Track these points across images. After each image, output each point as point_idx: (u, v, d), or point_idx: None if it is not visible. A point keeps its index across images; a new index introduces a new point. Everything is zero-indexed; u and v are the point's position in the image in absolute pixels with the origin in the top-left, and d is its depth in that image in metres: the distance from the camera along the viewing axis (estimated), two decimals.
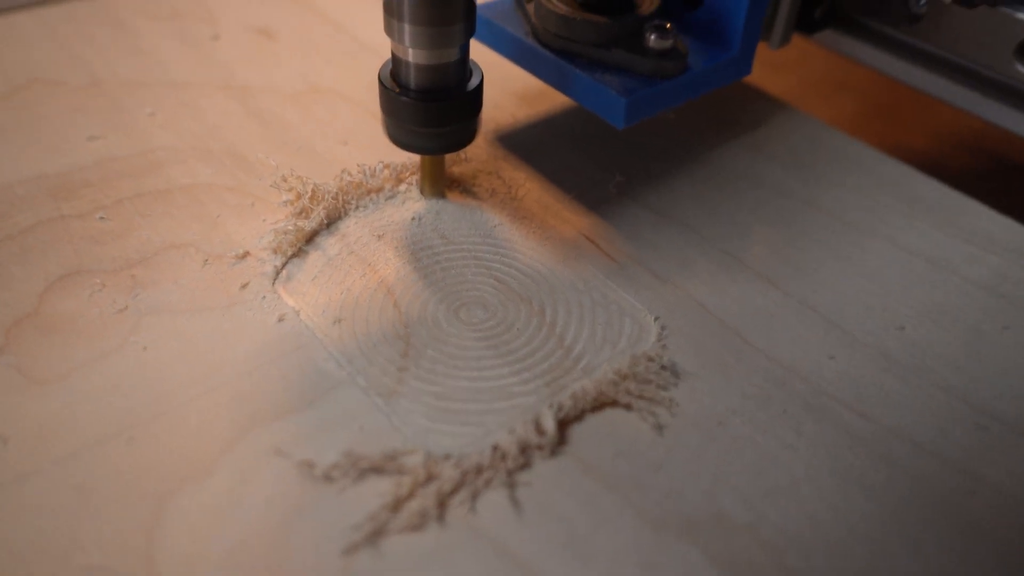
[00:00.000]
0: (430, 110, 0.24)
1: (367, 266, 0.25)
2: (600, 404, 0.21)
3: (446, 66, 0.24)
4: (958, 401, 0.22)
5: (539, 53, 0.27)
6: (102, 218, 0.25)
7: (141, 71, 0.32)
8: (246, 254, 0.25)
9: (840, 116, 0.37)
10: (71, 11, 0.35)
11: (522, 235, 0.26)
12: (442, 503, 0.19)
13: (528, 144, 0.30)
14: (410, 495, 0.19)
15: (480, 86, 0.25)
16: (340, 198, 0.26)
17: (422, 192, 0.27)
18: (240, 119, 0.30)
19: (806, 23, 0.30)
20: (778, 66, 0.40)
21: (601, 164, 0.29)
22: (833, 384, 0.22)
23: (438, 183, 0.27)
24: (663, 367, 0.22)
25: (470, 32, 0.23)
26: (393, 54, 0.24)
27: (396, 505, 0.19)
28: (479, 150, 0.29)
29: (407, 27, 0.22)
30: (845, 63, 0.40)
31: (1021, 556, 0.18)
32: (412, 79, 0.24)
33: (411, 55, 0.23)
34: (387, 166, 0.27)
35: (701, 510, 0.19)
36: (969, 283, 0.25)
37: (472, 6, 0.23)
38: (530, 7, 0.27)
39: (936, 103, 0.35)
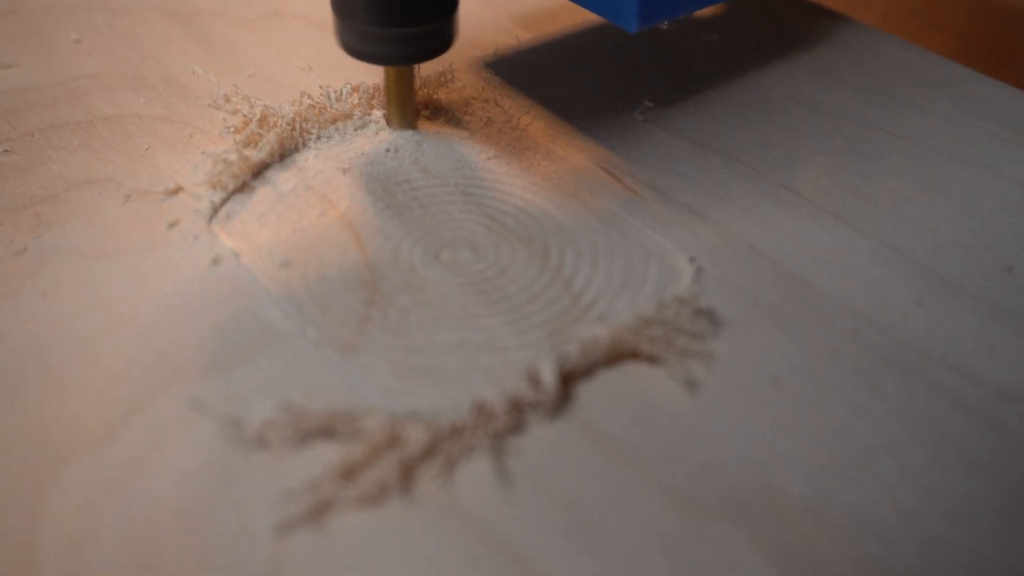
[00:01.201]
0: (393, 6, 0.22)
1: (327, 203, 0.23)
2: (617, 356, 0.19)
3: None
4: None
5: None
6: (6, 151, 0.24)
7: None
8: (178, 189, 0.23)
9: (932, 48, 0.35)
10: None
11: (523, 168, 0.24)
12: (407, 473, 0.17)
13: (534, 70, 0.28)
14: (366, 462, 0.17)
15: None
16: (297, 125, 0.25)
17: (388, 121, 0.25)
18: (181, 44, 0.29)
19: None
20: (920, 22, 0.39)
21: (624, 91, 0.27)
22: (922, 335, 0.20)
23: (407, 108, 0.25)
24: (699, 312, 0.20)
25: None
26: None
27: (347, 473, 0.17)
28: (473, 75, 0.28)
29: None
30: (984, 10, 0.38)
31: None
32: None
33: None
34: (356, 89, 0.26)
35: (746, 486, 0.17)
36: None
37: None
38: None
39: None
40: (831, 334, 0.20)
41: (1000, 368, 0.19)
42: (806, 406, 0.18)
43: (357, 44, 0.23)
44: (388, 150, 0.25)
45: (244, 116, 0.25)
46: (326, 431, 0.18)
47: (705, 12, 0.31)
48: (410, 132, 0.25)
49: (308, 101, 0.25)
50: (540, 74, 0.28)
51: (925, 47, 0.33)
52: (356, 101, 0.26)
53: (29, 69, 0.28)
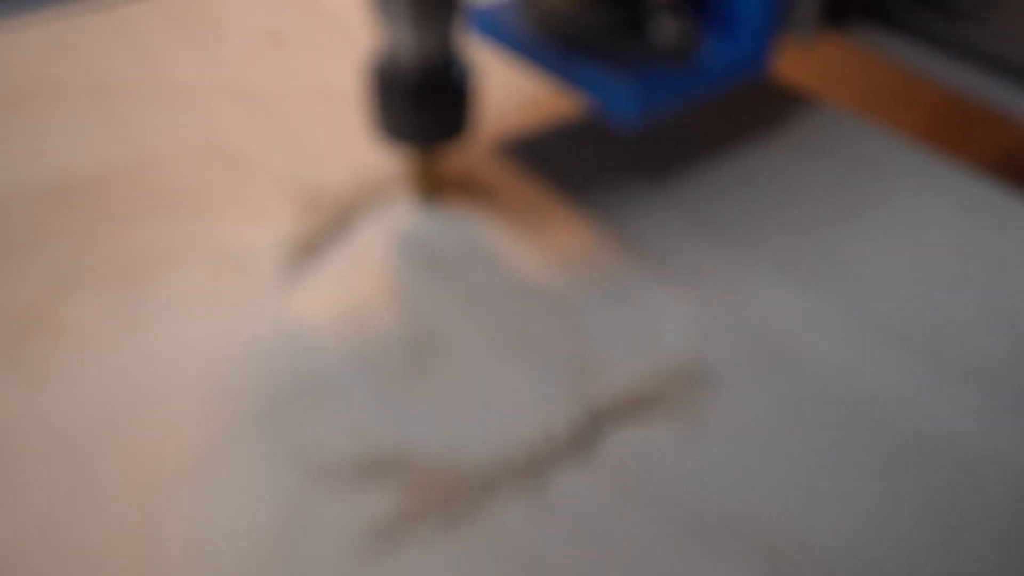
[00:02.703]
0: (418, 95, 0.24)
1: (378, 270, 0.25)
2: (630, 409, 0.21)
3: (435, 49, 0.24)
4: (1013, 411, 0.21)
5: (543, 47, 0.27)
6: (107, 220, 0.26)
7: (143, 74, 0.33)
8: (250, 257, 0.25)
9: (902, 133, 0.37)
10: (81, 24, 0.37)
11: (546, 239, 0.26)
12: (455, 509, 0.19)
13: (540, 151, 0.30)
14: (421, 503, 0.19)
15: (472, 73, 0.25)
16: (351, 200, 0.26)
17: (416, 195, 0.27)
18: (245, 122, 0.31)
19: (836, 14, 0.30)
20: (836, 79, 0.41)
21: (629, 169, 0.29)
22: (889, 390, 0.22)
23: (429, 185, 0.27)
24: (694, 378, 0.22)
25: (459, 13, 0.24)
26: (380, 40, 0.24)
27: (407, 516, 0.18)
28: (493, 154, 0.29)
29: (392, 9, 0.23)
30: (910, 76, 0.40)
31: None
32: (399, 63, 0.24)
33: (398, 38, 0.24)
34: (397, 165, 0.28)
35: (736, 517, 0.19)
36: (997, 257, 0.25)
37: None
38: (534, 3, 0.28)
39: (1009, 119, 0.35)
40: (811, 389, 0.22)
41: (940, 406, 0.21)
42: (781, 451, 0.20)
43: (386, 129, 0.25)
44: (429, 224, 0.27)
45: (306, 192, 0.26)
46: (384, 473, 0.19)
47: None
48: (443, 204, 0.27)
49: (360, 178, 0.27)
50: (555, 154, 0.30)
51: (897, 123, 0.35)
52: (396, 177, 0.27)
53: (113, 145, 0.29)
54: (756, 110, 0.32)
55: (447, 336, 0.23)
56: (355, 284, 0.24)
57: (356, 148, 0.29)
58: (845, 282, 0.25)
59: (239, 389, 0.21)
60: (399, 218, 0.27)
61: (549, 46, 0.27)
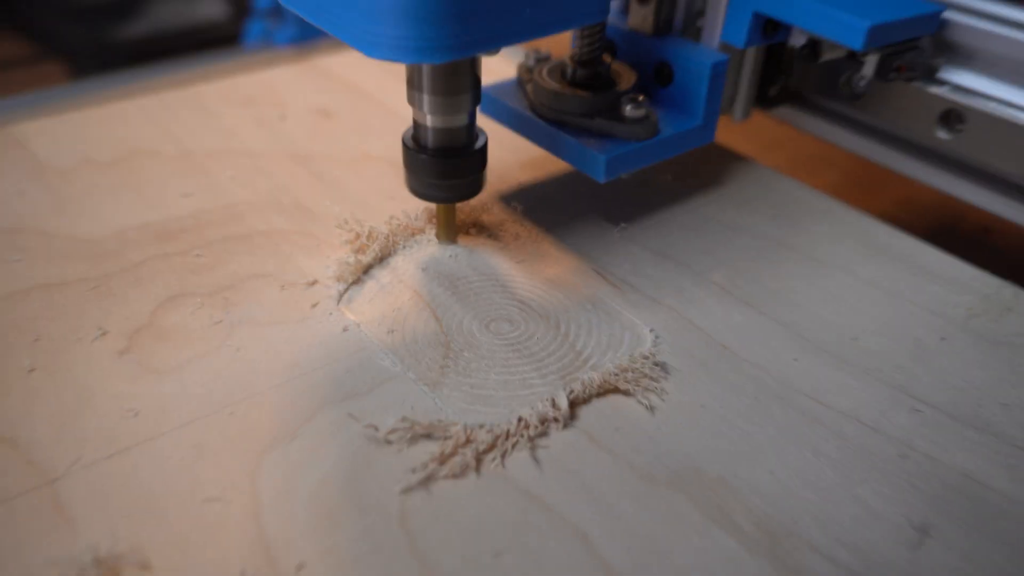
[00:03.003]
0: (443, 165, 0.31)
1: (413, 291, 0.31)
2: (604, 391, 0.27)
3: (457, 128, 0.31)
4: (899, 392, 0.28)
5: (535, 123, 0.34)
6: (198, 255, 0.33)
7: (222, 143, 0.40)
8: (315, 282, 0.32)
9: (822, 187, 0.44)
10: (165, 99, 0.44)
11: (541, 268, 0.33)
12: (478, 459, 0.25)
13: (543, 199, 0.37)
14: (453, 452, 0.25)
15: (485, 146, 0.32)
16: (390, 238, 0.33)
17: (438, 237, 0.34)
18: (304, 179, 0.38)
19: (763, 99, 0.37)
20: (771, 145, 0.48)
21: (605, 215, 0.36)
22: (797, 380, 0.28)
23: (451, 229, 0.33)
24: (656, 364, 0.28)
25: (476, 101, 0.30)
26: (414, 120, 0.31)
27: (442, 459, 0.25)
28: (502, 204, 0.36)
29: (425, 96, 0.30)
30: (827, 143, 0.47)
31: (941, 502, 0.24)
32: (429, 139, 0.31)
33: (428, 120, 0.30)
34: (427, 211, 0.34)
35: (685, 468, 0.25)
36: (915, 305, 0.31)
37: (477, 80, 0.30)
38: (528, 86, 0.35)
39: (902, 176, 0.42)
40: (739, 378, 0.28)
41: (843, 400, 0.27)
42: (722, 422, 0.27)
43: (422, 189, 0.32)
44: (450, 256, 0.33)
45: (356, 232, 0.33)
46: (427, 435, 0.26)
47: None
48: (465, 242, 0.34)
49: (396, 221, 0.34)
50: (547, 202, 0.37)
51: (818, 181, 0.41)
52: (425, 222, 0.34)
53: (203, 197, 0.36)
54: (703, 169, 0.39)
55: (467, 343, 0.29)
56: (395, 301, 0.31)
57: (392, 199, 0.36)
58: (771, 301, 0.32)
59: (313, 377, 0.28)
60: (425, 251, 0.33)
61: (539, 122, 0.34)
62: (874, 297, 0.32)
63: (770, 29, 0.34)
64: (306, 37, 0.63)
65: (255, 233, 0.34)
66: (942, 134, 0.33)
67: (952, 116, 0.33)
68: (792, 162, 0.45)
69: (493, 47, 0.27)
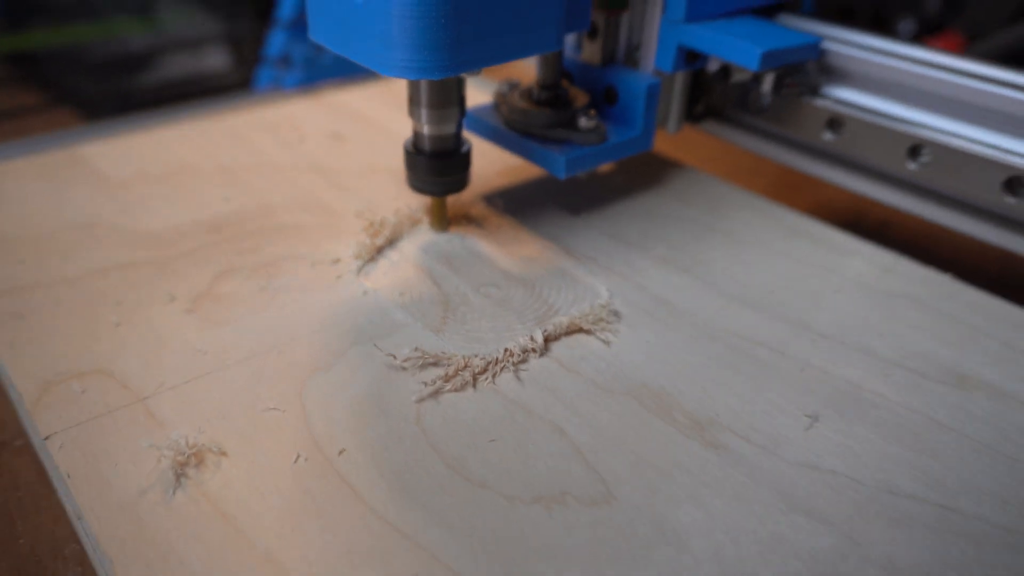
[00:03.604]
0: (437, 164, 0.37)
1: (418, 266, 0.37)
2: (571, 331, 0.33)
3: (447, 135, 0.37)
4: (801, 328, 0.34)
5: (509, 135, 0.40)
6: (242, 242, 0.38)
7: (253, 160, 0.46)
8: (338, 260, 0.37)
9: (753, 190, 0.50)
10: (201, 126, 0.50)
11: (518, 248, 0.39)
12: (474, 378, 0.31)
13: (519, 196, 0.43)
14: (455, 373, 0.31)
15: (469, 151, 0.37)
16: (397, 226, 0.39)
17: (432, 227, 0.39)
18: (324, 186, 0.43)
19: (691, 115, 0.43)
20: (708, 158, 0.54)
21: (568, 209, 0.42)
22: (722, 321, 0.34)
23: (443, 220, 0.39)
24: (611, 312, 0.34)
25: (462, 115, 0.36)
26: (413, 130, 0.37)
27: (447, 378, 0.30)
28: (486, 200, 0.42)
29: (423, 110, 0.36)
30: (757, 157, 0.54)
31: (830, 400, 0.30)
32: (426, 144, 0.37)
33: (425, 128, 0.37)
34: (425, 205, 0.40)
35: (635, 382, 0.31)
36: (816, 268, 0.38)
37: (463, 98, 0.36)
38: (503, 107, 0.41)
39: (821, 182, 0.48)
40: (676, 320, 0.34)
41: (758, 333, 0.33)
42: (665, 349, 0.32)
43: (420, 185, 0.38)
44: (446, 241, 0.39)
45: (370, 221, 0.39)
46: (434, 363, 0.31)
47: (612, 166, 0.46)
48: (459, 229, 0.39)
49: (401, 213, 0.40)
50: (520, 200, 0.43)
51: (748, 186, 0.48)
52: (424, 214, 0.40)
53: (241, 201, 0.42)
54: (649, 173, 0.46)
55: (462, 301, 0.35)
56: (403, 273, 0.37)
57: (396, 200, 0.42)
58: (702, 268, 0.38)
59: (341, 326, 0.33)
60: (425, 237, 0.39)
61: (512, 134, 0.40)
62: (784, 264, 0.38)
63: (691, 58, 0.41)
64: (311, 81, 0.69)
65: (287, 226, 0.40)
66: (828, 136, 0.40)
67: (835, 122, 0.39)
68: (726, 172, 0.52)
69: (477, 68, 0.33)
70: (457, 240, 0.39)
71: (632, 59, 0.42)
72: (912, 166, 0.37)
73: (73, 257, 0.37)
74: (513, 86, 0.42)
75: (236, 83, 0.83)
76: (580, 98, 0.40)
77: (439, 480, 0.26)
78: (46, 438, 0.27)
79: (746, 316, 0.34)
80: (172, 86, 0.86)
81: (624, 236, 0.40)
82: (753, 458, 0.28)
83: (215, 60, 0.92)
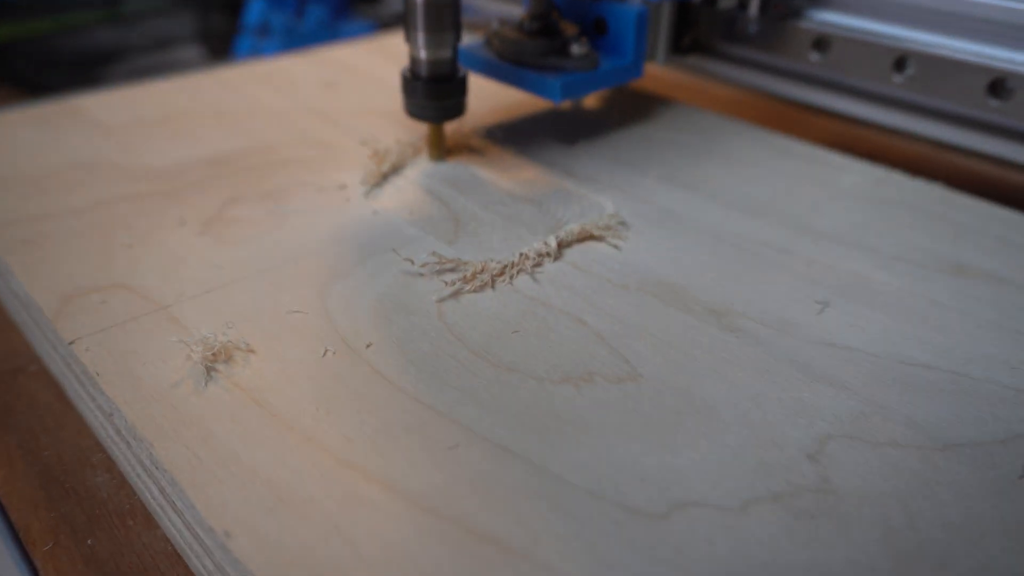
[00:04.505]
0: (434, 88, 0.37)
1: (424, 189, 0.37)
2: (582, 238, 0.33)
3: (444, 60, 0.37)
4: (802, 230, 0.34)
5: (502, 66, 0.40)
6: (247, 173, 0.38)
7: (250, 106, 0.45)
8: (345, 186, 0.37)
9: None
10: (194, 79, 0.49)
11: (521, 172, 0.39)
12: (493, 279, 0.31)
13: (517, 128, 0.43)
14: (473, 276, 0.31)
15: (465, 77, 0.37)
16: (401, 154, 0.39)
17: (430, 156, 0.39)
18: (322, 125, 0.43)
19: (678, 48, 0.44)
20: (692, 99, 0.55)
21: (565, 140, 0.42)
22: (725, 226, 0.34)
23: (441, 149, 0.39)
24: (620, 221, 0.34)
25: (458, 39, 0.36)
26: (410, 55, 0.37)
27: (466, 279, 0.30)
28: (484, 131, 0.42)
29: (419, 34, 0.36)
30: (744, 89, 0.54)
31: (838, 289, 0.30)
32: (423, 70, 0.37)
33: (422, 53, 0.36)
34: (424, 136, 0.40)
35: (649, 279, 0.31)
36: (811, 181, 0.38)
37: (459, 22, 0.36)
38: (495, 41, 0.41)
39: (806, 118, 0.49)
40: (679, 225, 0.34)
41: (761, 234, 0.34)
42: (673, 248, 0.33)
43: (417, 111, 0.37)
44: (450, 167, 0.39)
45: (375, 150, 0.39)
46: (451, 268, 0.31)
47: (604, 98, 0.47)
48: (464, 155, 0.39)
49: (404, 142, 0.40)
50: (519, 133, 0.43)
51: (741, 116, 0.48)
52: (423, 142, 0.40)
53: (243, 140, 0.41)
54: (641, 107, 0.46)
55: (471, 217, 0.35)
56: (410, 195, 0.36)
57: (395, 133, 0.42)
58: (701, 184, 0.38)
59: (355, 240, 0.33)
60: (428, 165, 0.39)
61: (505, 65, 0.40)
62: (780, 179, 0.39)
63: None
64: (290, 48, 0.69)
65: (290, 160, 0.40)
66: (814, 57, 0.40)
67: (821, 43, 0.40)
68: (719, 105, 0.52)
69: None
70: (460, 167, 0.39)
71: None
72: (898, 79, 0.38)
73: (78, 191, 0.36)
74: (503, 22, 0.42)
75: (208, 56, 0.82)
76: (570, 29, 0.41)
77: (467, 366, 0.26)
78: (71, 342, 0.27)
79: (749, 222, 0.35)
80: (142, 72, 0.85)
81: (623, 159, 0.40)
82: (770, 338, 0.28)
83: (186, 55, 0.91)
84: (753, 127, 0.44)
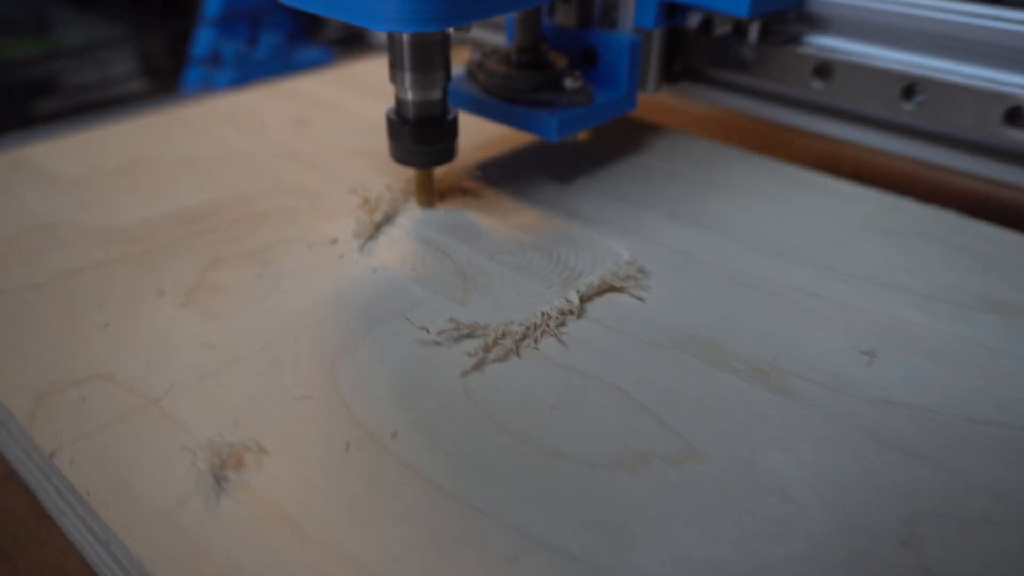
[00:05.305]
0: (423, 132, 0.33)
1: (422, 240, 0.34)
2: (602, 290, 0.31)
3: (433, 101, 0.33)
4: (829, 271, 0.32)
5: (491, 103, 0.37)
6: (225, 231, 0.34)
7: (217, 150, 0.41)
8: (336, 240, 0.34)
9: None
10: (151, 120, 0.45)
11: (522, 217, 0.36)
12: (517, 345, 0.28)
13: (503, 172, 0.40)
14: (495, 343, 0.28)
15: (456, 118, 0.34)
16: (392, 201, 0.35)
17: (418, 203, 0.36)
18: (300, 170, 0.39)
19: (668, 75, 0.42)
20: (677, 123, 0.53)
21: (560, 178, 0.39)
22: (748, 270, 0.32)
23: (430, 194, 0.36)
24: (639, 270, 0.32)
25: (448, 79, 0.33)
26: (396, 97, 0.34)
27: (487, 347, 0.27)
28: (479, 175, 0.39)
29: (406, 74, 0.32)
30: (728, 113, 0.52)
31: (877, 335, 0.28)
32: (410, 112, 0.34)
33: (409, 95, 0.33)
34: (413, 180, 0.37)
35: (681, 335, 0.28)
36: (824, 214, 0.36)
37: (448, 60, 0.33)
38: (480, 74, 0.38)
39: (791, 133, 0.47)
40: (703, 273, 0.32)
41: (788, 278, 0.32)
42: (702, 302, 0.30)
43: (404, 157, 0.34)
44: (445, 213, 0.36)
45: (365, 197, 0.35)
46: (468, 334, 0.28)
47: (592, 133, 0.44)
48: (458, 199, 0.36)
49: (394, 189, 0.36)
50: (510, 172, 0.40)
51: (725, 142, 0.46)
52: (412, 187, 0.37)
53: (214, 189, 0.37)
54: (634, 137, 0.43)
55: (479, 271, 0.32)
56: (409, 248, 0.33)
57: (381, 177, 0.39)
58: (712, 222, 0.36)
59: (357, 306, 0.30)
60: (420, 212, 0.36)
61: (494, 101, 0.37)
62: (792, 212, 0.36)
63: (671, 12, 0.39)
64: (244, 79, 0.65)
65: (271, 211, 0.36)
66: (816, 85, 0.38)
67: (823, 69, 0.38)
68: (701, 130, 0.50)
69: (473, 19, 0.30)
70: (456, 213, 0.36)
71: (608, 19, 0.40)
72: (907, 107, 0.36)
73: (37, 260, 0.32)
74: (486, 54, 0.39)
75: (152, 89, 0.77)
76: (559, 60, 0.38)
77: (508, 453, 0.23)
78: (51, 454, 0.23)
79: (770, 263, 0.33)
80: (80, 109, 0.79)
81: (624, 195, 0.38)
82: (825, 399, 0.26)
83: (129, 87, 0.86)
84: (748, 153, 0.42)
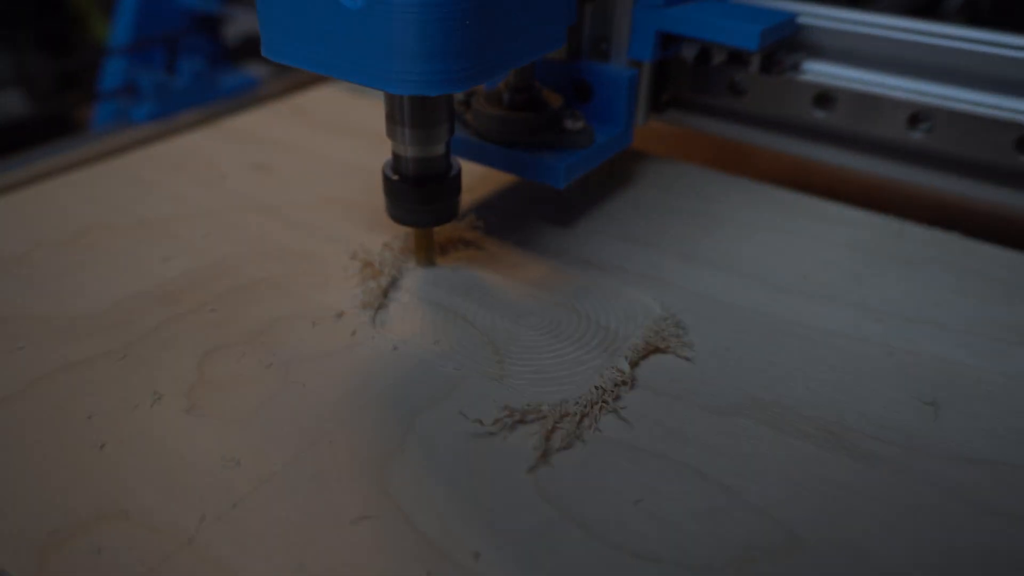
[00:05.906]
0: (425, 192, 0.30)
1: (435, 306, 0.31)
2: (647, 353, 0.28)
3: (435, 157, 0.30)
4: (859, 309, 0.31)
5: (486, 147, 0.34)
6: (212, 310, 0.30)
7: (175, 208, 0.37)
8: (342, 313, 0.30)
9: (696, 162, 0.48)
10: (90, 174, 0.39)
11: (533, 270, 0.33)
12: (578, 428, 0.25)
13: (502, 218, 0.37)
14: (554, 428, 0.25)
15: (459, 173, 0.31)
16: (394, 262, 0.32)
17: (417, 262, 0.33)
18: (277, 227, 0.35)
19: (656, 105, 0.40)
20: (655, 137, 0.51)
21: (560, 221, 0.37)
22: (784, 314, 0.31)
23: (430, 252, 0.33)
24: (677, 325, 0.30)
25: (451, 132, 0.30)
26: (393, 152, 0.31)
27: (548, 435, 0.25)
28: (477, 222, 0.36)
29: (406, 130, 0.29)
30: (694, 132, 0.51)
31: (932, 381, 0.27)
32: (409, 168, 0.30)
33: (409, 151, 0.30)
34: (410, 235, 0.33)
35: (738, 398, 0.27)
36: (834, 244, 0.35)
37: (452, 111, 0.30)
38: (468, 116, 0.35)
39: (754, 152, 0.46)
40: (740, 321, 0.30)
41: (825, 322, 0.30)
42: (749, 358, 0.28)
43: (402, 215, 0.31)
44: (452, 270, 0.33)
45: (366, 261, 0.32)
46: (522, 420, 0.25)
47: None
48: (465, 255, 0.33)
49: (395, 246, 0.33)
50: (507, 212, 0.37)
51: (691, 157, 0.45)
52: (413, 247, 0.33)
53: (186, 259, 0.33)
54: (620, 165, 0.41)
55: (508, 338, 0.29)
56: (425, 315, 0.30)
57: (372, 232, 0.35)
58: (728, 260, 0.34)
59: (389, 394, 0.26)
60: (423, 271, 0.33)
61: (490, 146, 0.34)
62: (801, 243, 0.35)
63: (667, 44, 0.37)
64: (167, 111, 0.59)
65: (258, 281, 0.32)
66: (818, 114, 0.37)
67: (825, 98, 0.37)
68: (668, 149, 0.49)
69: (495, 76, 0.27)
70: (462, 270, 0.33)
71: (598, 51, 0.37)
72: (915, 135, 0.35)
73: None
74: (472, 92, 0.36)
75: (46, 122, 0.70)
76: (553, 99, 0.35)
77: (608, 564, 0.21)
78: None
79: (802, 306, 0.31)
80: None
81: (632, 236, 0.36)
82: (905, 462, 0.24)
83: (3, 101, 0.78)
84: (743, 180, 0.40)
